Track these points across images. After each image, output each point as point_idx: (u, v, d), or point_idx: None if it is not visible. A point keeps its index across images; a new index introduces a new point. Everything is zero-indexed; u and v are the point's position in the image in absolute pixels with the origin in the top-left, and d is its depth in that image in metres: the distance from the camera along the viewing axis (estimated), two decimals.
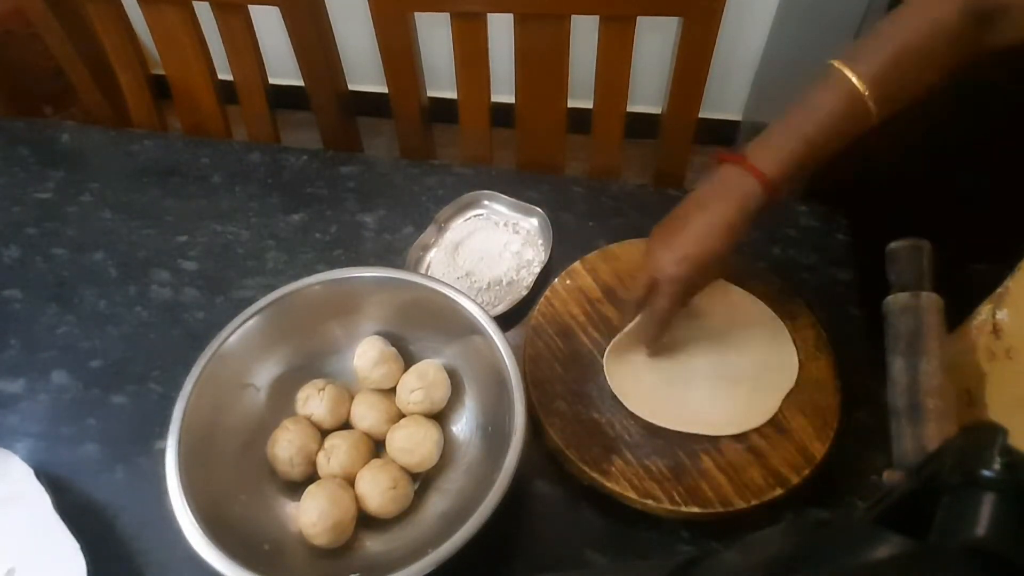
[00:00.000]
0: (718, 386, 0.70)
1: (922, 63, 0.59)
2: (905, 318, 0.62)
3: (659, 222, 0.68)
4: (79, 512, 0.64)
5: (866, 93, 0.58)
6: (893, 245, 0.65)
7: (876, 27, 0.61)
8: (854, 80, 0.58)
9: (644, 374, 0.71)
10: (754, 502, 0.62)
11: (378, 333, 0.70)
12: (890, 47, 0.59)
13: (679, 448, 0.66)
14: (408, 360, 0.69)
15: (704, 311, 0.74)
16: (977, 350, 0.62)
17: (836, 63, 0.60)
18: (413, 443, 0.63)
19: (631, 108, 1.01)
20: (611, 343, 0.71)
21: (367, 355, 0.67)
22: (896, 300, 0.63)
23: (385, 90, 1.01)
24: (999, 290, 0.61)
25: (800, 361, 0.71)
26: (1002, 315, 0.59)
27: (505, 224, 0.87)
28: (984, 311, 0.62)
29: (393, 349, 0.69)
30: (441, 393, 0.66)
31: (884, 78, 0.58)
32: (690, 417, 0.67)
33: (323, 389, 0.66)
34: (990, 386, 0.60)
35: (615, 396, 0.69)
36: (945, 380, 0.58)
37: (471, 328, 0.64)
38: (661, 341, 0.70)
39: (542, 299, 0.77)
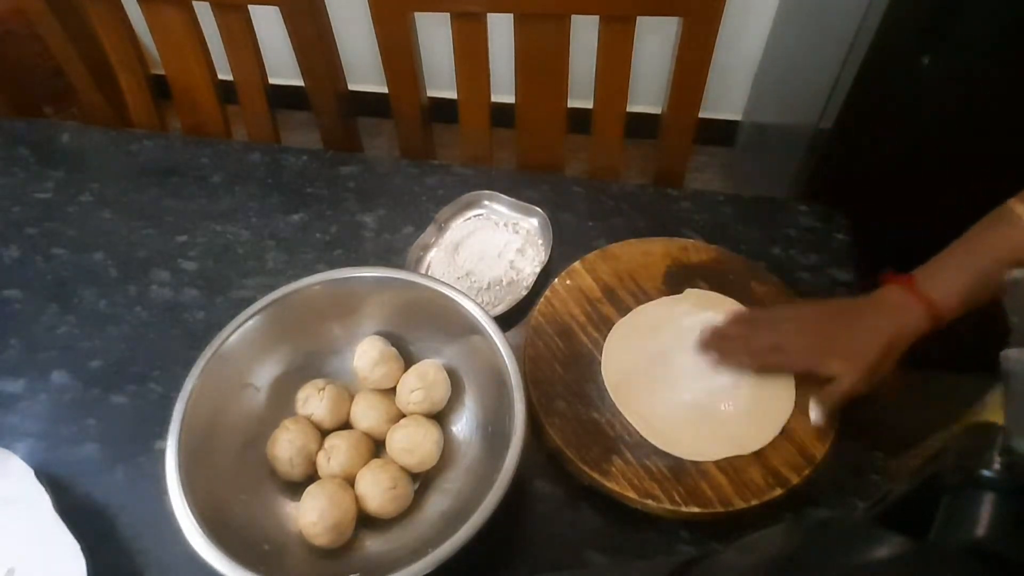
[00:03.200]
0: (712, 415, 0.68)
1: None
2: None
3: (815, 302, 0.69)
4: (79, 512, 0.64)
5: None
6: (1016, 274, 0.46)
7: None
8: None
9: (646, 395, 0.70)
10: (754, 502, 0.62)
11: (378, 333, 0.70)
12: None
13: None
14: (408, 360, 0.69)
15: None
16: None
17: (1016, 203, 0.59)
18: (413, 443, 0.63)
19: (631, 108, 1.01)
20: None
21: (367, 355, 0.67)
22: (1020, 359, 0.43)
23: (385, 90, 1.01)
24: None
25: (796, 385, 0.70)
26: None
27: (505, 224, 0.87)
28: None
29: (393, 349, 0.69)
30: (441, 393, 0.66)
31: None
32: (681, 443, 0.66)
33: (323, 389, 0.66)
34: None
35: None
36: None
37: (471, 328, 0.64)
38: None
39: (542, 299, 0.77)
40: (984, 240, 0.61)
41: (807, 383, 0.69)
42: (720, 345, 0.70)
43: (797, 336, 0.67)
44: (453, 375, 0.68)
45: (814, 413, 0.65)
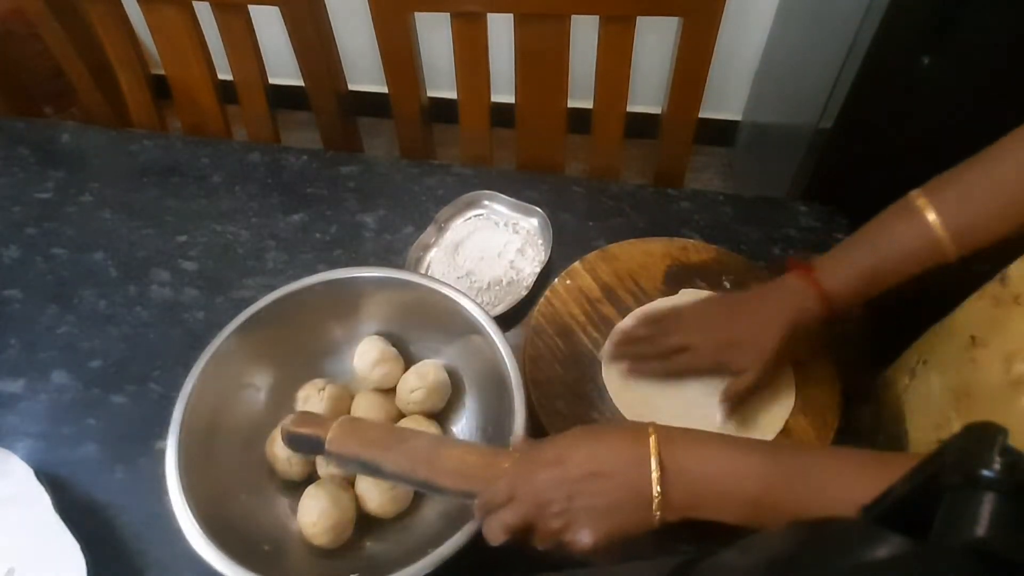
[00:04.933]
0: (712, 416, 0.67)
1: (1012, 208, 0.55)
2: None
3: (717, 296, 0.70)
4: (79, 512, 0.64)
5: (945, 237, 0.56)
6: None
7: (962, 165, 0.59)
8: (936, 226, 0.56)
9: (647, 396, 0.69)
10: None
11: (378, 333, 0.70)
12: (977, 193, 0.56)
13: None
14: (408, 360, 0.69)
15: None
16: (983, 297, 0.59)
17: (918, 196, 0.58)
18: None
19: (631, 108, 1.01)
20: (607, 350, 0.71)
21: (367, 355, 0.67)
22: None
23: (385, 90, 1.01)
24: None
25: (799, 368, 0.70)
26: (1011, 265, 0.58)
27: (505, 224, 0.87)
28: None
29: (393, 349, 0.69)
30: (441, 393, 0.66)
31: (967, 225, 0.56)
32: None
33: (323, 389, 0.66)
34: (996, 330, 0.57)
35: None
36: None
37: (471, 328, 0.64)
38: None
39: (542, 299, 0.77)
40: (884, 232, 0.61)
41: (808, 383, 0.69)
42: (629, 351, 0.70)
43: (702, 333, 0.66)
44: (453, 375, 0.68)
45: (720, 416, 0.66)
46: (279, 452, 0.63)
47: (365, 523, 0.62)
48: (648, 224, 0.87)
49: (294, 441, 0.58)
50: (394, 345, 0.69)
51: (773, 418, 0.67)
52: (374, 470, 0.55)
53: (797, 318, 0.62)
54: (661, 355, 0.68)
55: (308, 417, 0.59)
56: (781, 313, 0.62)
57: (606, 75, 0.97)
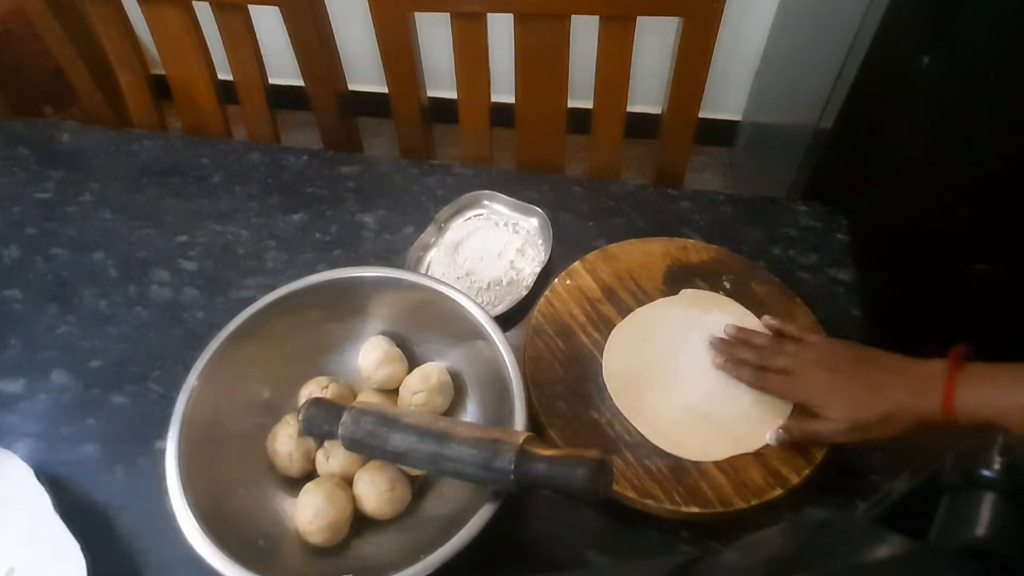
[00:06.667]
0: (712, 416, 0.68)
1: None
2: None
3: (853, 344, 0.66)
4: (79, 512, 0.64)
5: None
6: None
7: None
8: None
9: (647, 396, 0.70)
10: (754, 502, 0.62)
11: (384, 333, 0.70)
12: None
13: None
14: (413, 361, 0.69)
15: (707, 329, 0.74)
16: None
17: None
18: None
19: (631, 108, 1.01)
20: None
21: (371, 355, 0.67)
22: None
23: (385, 90, 1.01)
24: None
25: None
26: None
27: (505, 224, 0.87)
28: None
29: (398, 350, 0.69)
30: (443, 397, 0.66)
31: None
32: (684, 443, 0.66)
33: (327, 387, 0.66)
34: None
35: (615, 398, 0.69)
36: None
37: (472, 329, 0.64)
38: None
39: (542, 299, 0.77)
40: None
41: None
42: (733, 350, 0.69)
43: (810, 368, 0.65)
44: (456, 378, 0.68)
45: (772, 435, 0.64)
46: (280, 448, 0.63)
47: (362, 524, 0.62)
48: (648, 224, 0.87)
49: (313, 411, 0.58)
50: (399, 346, 0.69)
51: (773, 418, 0.67)
52: (392, 422, 0.55)
53: (908, 408, 0.58)
54: (759, 368, 0.67)
55: (327, 400, 0.61)
56: (899, 391, 0.59)
57: (606, 75, 0.97)
